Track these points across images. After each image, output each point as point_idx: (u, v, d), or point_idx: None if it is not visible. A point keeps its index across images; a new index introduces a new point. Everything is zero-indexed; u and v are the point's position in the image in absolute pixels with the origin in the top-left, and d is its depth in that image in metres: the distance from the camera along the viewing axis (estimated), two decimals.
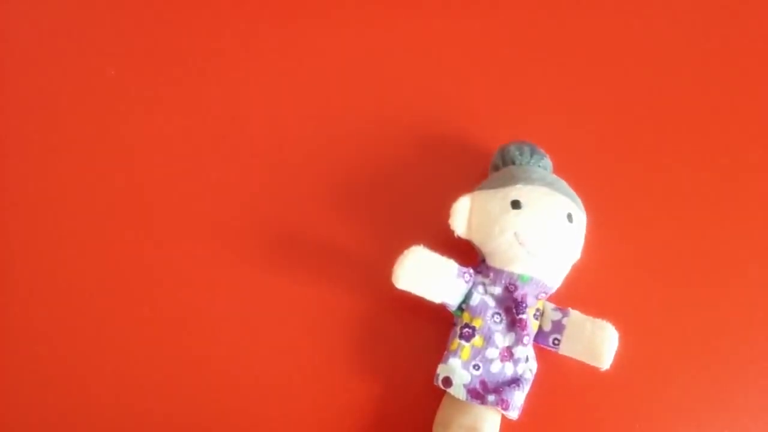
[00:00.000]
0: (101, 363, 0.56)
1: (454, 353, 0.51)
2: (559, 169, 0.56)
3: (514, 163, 0.54)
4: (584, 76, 0.66)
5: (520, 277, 0.50)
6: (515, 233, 0.50)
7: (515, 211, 0.50)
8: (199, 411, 0.55)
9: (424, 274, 0.50)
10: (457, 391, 0.49)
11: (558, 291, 0.53)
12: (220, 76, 0.66)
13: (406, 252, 0.50)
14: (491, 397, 0.49)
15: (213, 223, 0.60)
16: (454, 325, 0.52)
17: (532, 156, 0.54)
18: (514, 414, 0.49)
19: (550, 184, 0.52)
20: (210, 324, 0.57)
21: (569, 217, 0.51)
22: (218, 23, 0.68)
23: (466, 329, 0.51)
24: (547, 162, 0.55)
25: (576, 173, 0.56)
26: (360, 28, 0.68)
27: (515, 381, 0.50)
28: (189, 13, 0.68)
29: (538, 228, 0.50)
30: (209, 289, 0.58)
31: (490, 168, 0.56)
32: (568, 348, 0.51)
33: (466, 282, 0.51)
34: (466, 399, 0.49)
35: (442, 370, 0.51)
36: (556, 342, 0.52)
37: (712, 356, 0.56)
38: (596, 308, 0.52)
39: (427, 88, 0.65)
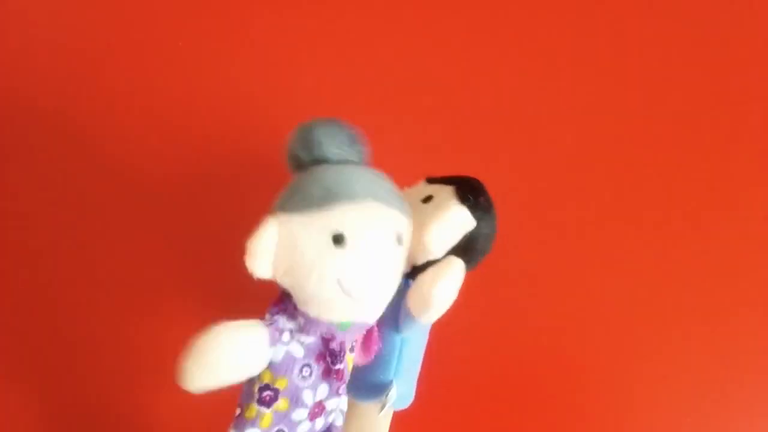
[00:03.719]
0: None
1: (252, 423, 0.38)
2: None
3: (324, 157, 0.37)
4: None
5: (340, 325, 0.38)
6: (339, 280, 0.36)
7: (338, 250, 0.35)
8: None
9: (228, 366, 0.35)
10: None
11: None
12: None
13: (198, 343, 0.34)
14: None
15: None
16: (249, 381, 0.39)
17: (347, 146, 0.38)
18: None
19: (376, 196, 0.37)
20: None
21: (399, 239, 0.38)
22: None
23: (267, 393, 0.38)
24: (363, 149, 0.39)
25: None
26: None
27: None
28: None
29: (366, 270, 0.37)
30: None
31: (289, 158, 0.39)
32: None
33: (279, 343, 0.38)
34: None
35: None
36: None
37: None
38: None
39: None
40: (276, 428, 0.39)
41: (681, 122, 0.58)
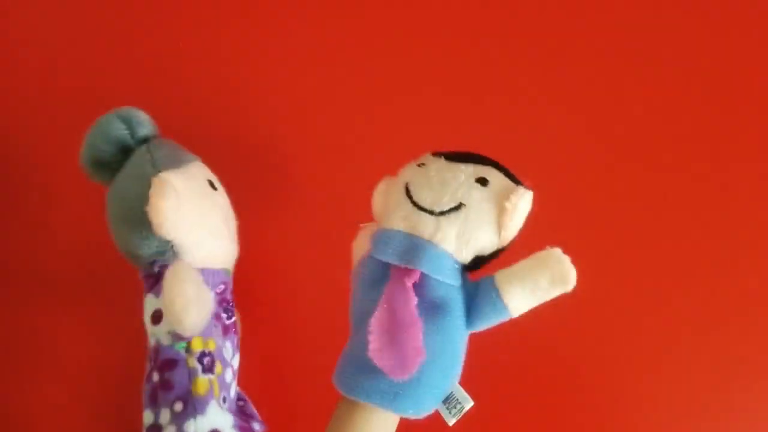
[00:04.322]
0: None
1: (209, 395, 0.37)
2: None
3: (146, 136, 0.41)
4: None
5: (227, 271, 0.42)
6: (225, 219, 0.41)
7: (216, 193, 0.41)
8: None
9: (204, 306, 0.35)
10: None
11: None
12: None
13: (175, 278, 0.33)
14: (256, 425, 0.40)
15: None
16: (171, 365, 0.37)
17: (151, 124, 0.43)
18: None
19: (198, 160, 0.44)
20: None
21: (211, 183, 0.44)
22: None
23: (206, 358, 0.38)
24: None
25: None
26: None
27: (241, 397, 0.42)
28: None
29: (231, 211, 0.43)
30: None
31: (105, 148, 0.40)
32: None
33: None
34: None
35: (201, 426, 0.36)
36: None
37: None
38: None
39: None
40: (222, 395, 0.38)
41: (679, 122, 0.56)
